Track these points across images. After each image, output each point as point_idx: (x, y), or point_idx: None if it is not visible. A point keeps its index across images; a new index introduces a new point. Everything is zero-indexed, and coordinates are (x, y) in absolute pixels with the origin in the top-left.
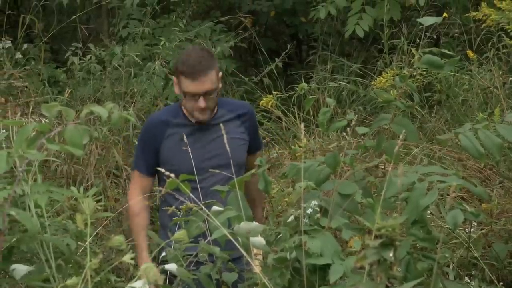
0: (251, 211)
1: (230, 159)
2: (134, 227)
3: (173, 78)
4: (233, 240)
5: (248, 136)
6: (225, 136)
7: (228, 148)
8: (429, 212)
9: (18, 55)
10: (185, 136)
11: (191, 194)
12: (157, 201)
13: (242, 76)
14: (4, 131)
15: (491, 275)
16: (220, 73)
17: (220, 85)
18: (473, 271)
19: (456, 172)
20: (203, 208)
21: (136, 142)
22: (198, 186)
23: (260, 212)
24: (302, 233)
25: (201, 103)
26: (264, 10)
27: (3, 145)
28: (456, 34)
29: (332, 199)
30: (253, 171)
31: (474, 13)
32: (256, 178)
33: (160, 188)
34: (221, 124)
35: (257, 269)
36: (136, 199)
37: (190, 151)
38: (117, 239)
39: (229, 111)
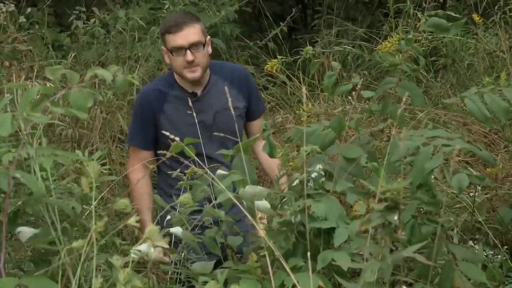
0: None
1: (229, 131)
2: (135, 193)
3: (162, 48)
4: (237, 203)
5: (247, 102)
6: (231, 103)
7: (236, 126)
8: (433, 176)
9: (22, 19)
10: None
11: (196, 158)
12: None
13: (247, 41)
14: (8, 94)
15: (495, 239)
16: (209, 37)
17: (210, 49)
18: (477, 235)
19: (461, 136)
20: (208, 172)
21: (132, 116)
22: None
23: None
24: (305, 197)
25: (189, 56)
26: None
27: (8, 109)
28: None
29: (337, 163)
30: (258, 135)
31: None
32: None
33: (165, 152)
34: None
35: (261, 233)
36: (135, 170)
37: (189, 126)
38: (122, 202)
39: (224, 79)
